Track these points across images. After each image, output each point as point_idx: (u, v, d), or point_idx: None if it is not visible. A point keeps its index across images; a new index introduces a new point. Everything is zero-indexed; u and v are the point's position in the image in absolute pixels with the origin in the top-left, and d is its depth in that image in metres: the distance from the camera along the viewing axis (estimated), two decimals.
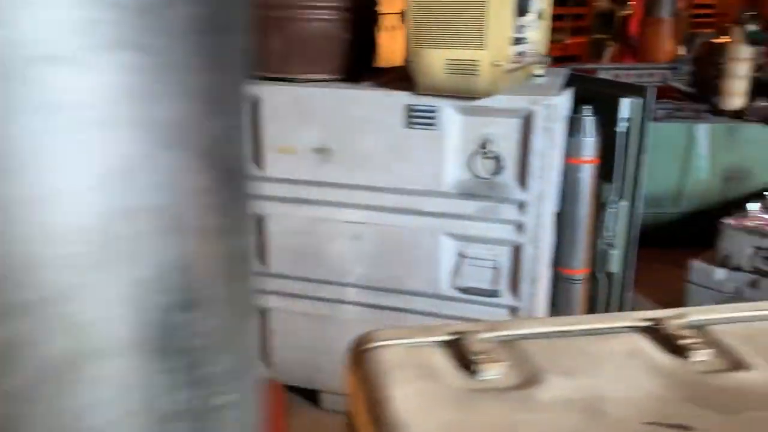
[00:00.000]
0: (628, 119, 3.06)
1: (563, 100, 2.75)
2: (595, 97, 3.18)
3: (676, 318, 1.11)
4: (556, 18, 7.33)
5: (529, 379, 0.95)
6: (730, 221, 4.01)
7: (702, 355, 1.02)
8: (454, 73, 2.51)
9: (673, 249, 4.82)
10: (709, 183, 5.24)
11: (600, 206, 3.27)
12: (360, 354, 1.01)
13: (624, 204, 3.18)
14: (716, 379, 0.96)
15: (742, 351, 1.03)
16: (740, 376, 0.96)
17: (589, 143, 2.93)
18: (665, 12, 6.99)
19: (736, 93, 5.35)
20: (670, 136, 5.20)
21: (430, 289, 2.84)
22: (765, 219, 4.13)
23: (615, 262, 3.26)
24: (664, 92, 6.11)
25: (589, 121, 2.91)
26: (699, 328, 1.11)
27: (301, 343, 3.09)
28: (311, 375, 3.13)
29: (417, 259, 2.83)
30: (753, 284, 3.85)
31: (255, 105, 2.87)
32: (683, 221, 5.28)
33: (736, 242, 3.89)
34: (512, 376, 0.97)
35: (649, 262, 4.89)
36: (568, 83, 3.30)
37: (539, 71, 2.97)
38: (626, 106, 3.04)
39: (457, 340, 1.07)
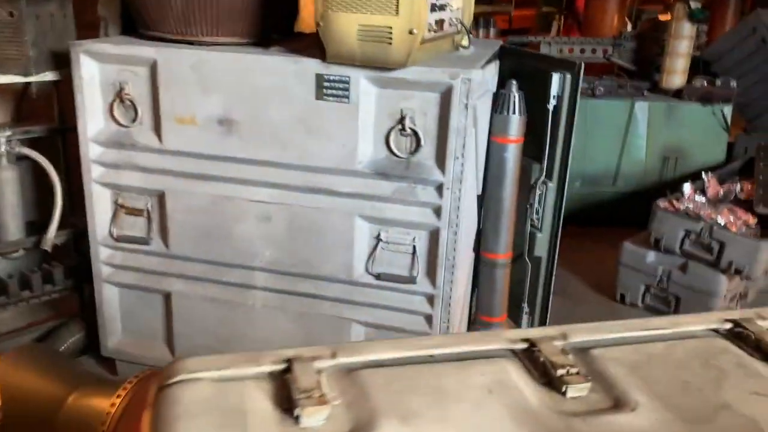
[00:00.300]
0: (558, 96, 2.89)
1: (486, 75, 2.56)
2: (527, 72, 3.00)
3: (557, 338, 0.95)
4: None
5: (359, 427, 0.77)
6: (662, 204, 3.93)
7: (579, 390, 0.86)
8: (367, 40, 2.28)
9: (611, 228, 4.75)
10: (648, 162, 5.18)
11: (528, 187, 3.13)
12: (159, 391, 0.81)
13: (551, 185, 3.03)
14: (592, 425, 0.79)
15: (626, 384, 0.87)
16: (620, 419, 0.80)
17: (516, 121, 2.75)
18: None
19: (677, 71, 5.28)
20: (610, 114, 5.10)
21: (343, 274, 2.65)
22: (698, 202, 4.08)
23: (542, 245, 3.13)
24: (606, 69, 6.01)
25: (515, 97, 2.73)
26: (582, 351, 0.94)
27: (207, 330, 2.86)
28: None
29: (330, 242, 2.62)
30: (682, 268, 3.80)
31: (151, 70, 2.58)
32: (621, 200, 5.22)
33: (667, 225, 3.82)
34: (340, 421, 0.78)
35: (586, 242, 4.82)
36: (500, 57, 3.12)
37: (465, 42, 2.77)
38: (556, 82, 2.87)
39: (284, 371, 0.87)
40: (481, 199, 2.91)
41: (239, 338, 2.83)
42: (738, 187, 4.47)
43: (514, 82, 2.76)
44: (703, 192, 4.38)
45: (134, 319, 3.00)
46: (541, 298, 3.22)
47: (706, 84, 5.19)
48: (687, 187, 4.13)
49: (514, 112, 2.73)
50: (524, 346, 0.96)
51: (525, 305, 3.28)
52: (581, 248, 4.89)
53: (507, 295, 3.05)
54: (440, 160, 2.44)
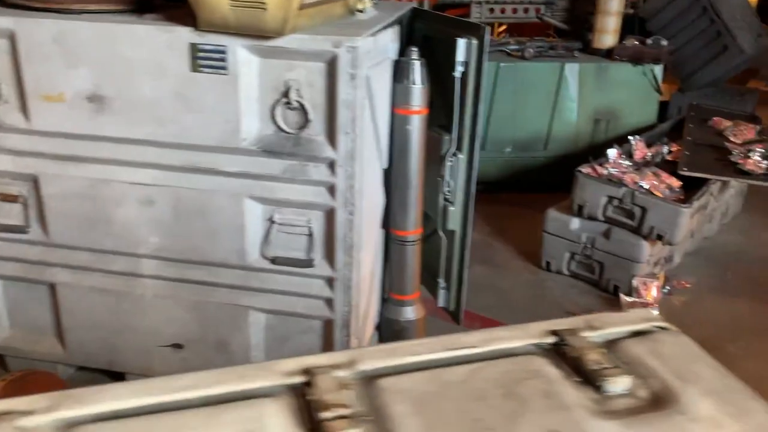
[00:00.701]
0: (465, 62, 2.73)
1: (380, 42, 2.37)
2: (438, 37, 2.83)
3: (342, 366, 0.81)
4: None
5: None
6: (584, 170, 3.85)
7: None
8: (240, 6, 2.07)
9: (543, 194, 4.67)
10: (579, 125, 5.09)
11: (439, 159, 2.99)
12: None
13: (462, 157, 2.89)
14: None
15: (403, 427, 0.73)
16: None
17: (417, 91, 2.59)
18: None
19: (608, 30, 5.17)
20: (540, 77, 4.98)
21: (237, 259, 2.48)
22: (623, 166, 4.01)
23: (454, 219, 3.00)
24: (543, 29, 5.87)
25: (416, 65, 2.56)
26: (369, 380, 0.80)
27: (97, 322, 2.68)
28: (111, 356, 2.74)
29: (220, 226, 2.45)
30: (606, 234, 3.74)
31: (10, 42, 2.32)
32: (554, 165, 5.13)
33: (589, 191, 3.74)
34: None
35: (516, 209, 4.73)
36: (412, 21, 2.94)
37: (361, 6, 2.58)
38: (462, 48, 2.70)
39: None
40: (388, 174, 2.76)
41: (132, 329, 2.66)
42: (666, 149, 4.42)
43: (415, 49, 2.58)
44: (630, 155, 4.32)
45: (21, 313, 2.80)
46: (456, 272, 3.11)
47: (637, 43, 5.10)
48: (612, 152, 4.06)
49: (414, 82, 2.57)
50: (300, 380, 0.81)
51: (442, 280, 3.17)
52: (512, 215, 4.82)
53: (419, 272, 2.93)
54: (331, 135, 2.27)
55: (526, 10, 5.59)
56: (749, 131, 4.59)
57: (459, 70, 2.73)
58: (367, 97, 2.34)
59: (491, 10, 5.55)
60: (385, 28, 2.49)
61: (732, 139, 4.55)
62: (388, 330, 2.94)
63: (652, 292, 3.65)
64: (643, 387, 0.84)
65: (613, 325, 0.97)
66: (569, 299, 3.76)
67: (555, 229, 3.93)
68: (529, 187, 5.16)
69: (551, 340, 0.93)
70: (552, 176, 4.97)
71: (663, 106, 5.89)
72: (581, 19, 5.48)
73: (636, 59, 4.96)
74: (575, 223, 3.84)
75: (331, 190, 2.33)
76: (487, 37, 2.67)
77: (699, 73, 5.88)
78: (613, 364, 0.87)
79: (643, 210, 3.56)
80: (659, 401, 0.81)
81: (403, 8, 2.96)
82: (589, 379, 0.86)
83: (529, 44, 5.09)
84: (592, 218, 3.77)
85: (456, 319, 3.23)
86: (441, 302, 3.21)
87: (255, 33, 2.11)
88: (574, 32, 5.57)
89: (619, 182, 3.72)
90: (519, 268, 4.11)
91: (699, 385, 0.83)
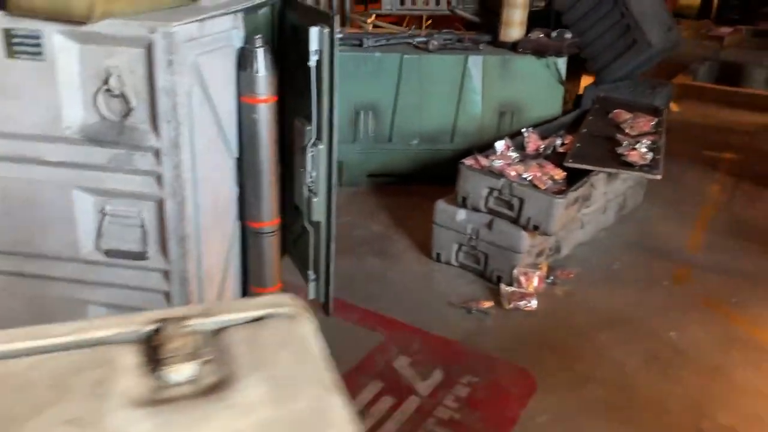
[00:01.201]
0: (319, 51, 2.71)
1: (210, 28, 2.32)
2: (299, 26, 2.80)
3: None
4: None
5: None
6: (467, 162, 3.86)
7: None
8: None
9: (450, 186, 4.67)
10: (484, 118, 5.11)
11: (302, 150, 2.96)
12: None
13: (322, 147, 2.87)
14: None
15: None
16: None
17: (262, 79, 2.55)
18: None
19: (515, 23, 5.19)
20: (444, 70, 4.97)
21: (70, 252, 2.42)
22: (510, 158, 4.03)
23: (318, 210, 2.98)
24: (449, 21, 5.87)
25: (259, 53, 2.52)
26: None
27: None
28: None
29: (51, 218, 2.38)
30: (489, 225, 3.76)
31: None
32: (460, 157, 5.09)
33: (471, 183, 3.75)
34: None
35: (417, 200, 4.73)
36: (280, 10, 2.91)
37: None
38: (315, 37, 2.68)
39: None
40: (239, 165, 2.71)
41: None
42: (559, 141, 4.47)
43: (258, 36, 2.54)
44: (522, 147, 4.35)
45: None
46: (324, 263, 3.10)
47: (541, 36, 5.14)
48: (500, 144, 4.08)
49: (258, 70, 2.53)
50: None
51: (311, 272, 3.16)
52: (415, 207, 4.81)
53: (278, 263, 2.90)
54: (154, 123, 2.22)
55: (437, 2, 5.59)
56: (646, 124, 4.67)
57: (313, 59, 2.71)
58: (198, 84, 2.29)
59: (402, 2, 5.53)
60: (224, 14, 2.44)
61: (627, 131, 4.62)
62: None
63: (534, 282, 3.68)
64: (210, 375, 0.82)
65: (233, 312, 0.95)
66: (454, 289, 3.77)
67: (443, 221, 3.94)
68: (437, 179, 5.14)
69: (151, 328, 0.91)
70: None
71: (579, 98, 5.98)
72: (492, 12, 5.49)
73: (539, 52, 5.00)
74: (461, 214, 3.85)
75: (159, 180, 2.28)
76: (337, 26, 2.65)
77: (611, 66, 5.95)
78: (194, 351, 0.85)
79: (521, 201, 3.59)
80: (214, 389, 0.79)
81: None
82: (155, 368, 0.84)
83: (436, 36, 5.09)
84: (475, 209, 3.78)
85: (326, 310, 3.21)
86: (311, 294, 3.19)
87: (63, 18, 2.05)
88: (486, 25, 5.59)
89: (499, 174, 3.73)
90: (411, 259, 4.11)
91: (266, 372, 0.82)
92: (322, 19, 2.70)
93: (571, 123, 4.93)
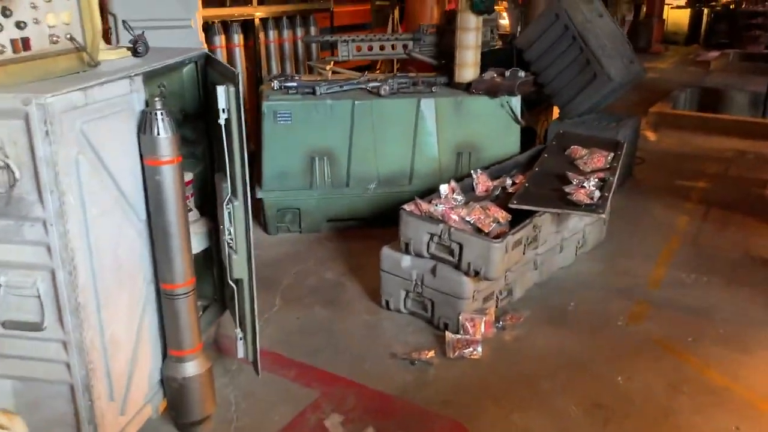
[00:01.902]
0: (227, 109, 2.70)
1: (94, 95, 2.29)
2: (215, 83, 2.79)
3: None
4: None
5: None
6: (407, 207, 3.81)
7: None
8: None
9: None
10: (441, 159, 5.09)
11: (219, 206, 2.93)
12: None
13: (237, 203, 2.83)
14: None
15: None
16: None
17: (164, 141, 2.53)
18: None
19: (468, 64, 5.20)
20: (398, 113, 4.97)
21: None
22: (453, 201, 3.98)
23: (239, 267, 2.93)
24: (422, 66, 5.87)
25: (158, 115, 2.51)
26: None
27: None
28: None
29: None
30: (433, 271, 3.69)
31: None
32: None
33: (412, 228, 3.70)
34: None
35: (374, 245, 4.66)
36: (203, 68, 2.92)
37: (101, 58, 2.53)
38: (222, 95, 2.68)
39: None
40: (149, 227, 2.68)
41: None
42: (509, 181, 4.42)
43: (158, 99, 2.53)
44: (472, 189, 4.31)
45: None
46: (249, 321, 3.03)
47: (495, 76, 5.14)
48: (444, 187, 4.04)
49: (158, 132, 2.51)
50: None
51: (238, 330, 3.09)
52: (370, 252, 4.74)
53: (196, 324, 2.83)
54: (40, 194, 2.19)
55: (393, 47, 5.62)
56: (600, 160, 4.61)
57: (222, 117, 2.71)
58: (87, 151, 2.27)
59: (358, 48, 5.56)
60: (118, 79, 2.43)
61: (582, 167, 4.57)
62: (169, 388, 2.84)
63: (481, 328, 3.59)
64: None
65: None
66: (401, 339, 3.68)
67: (389, 267, 3.88)
68: (397, 222, 5.10)
69: None
70: None
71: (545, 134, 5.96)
72: (448, 54, 5.51)
73: (492, 92, 4.99)
74: (406, 260, 3.79)
75: (49, 250, 2.24)
76: (239, 84, 2.65)
77: (574, 100, 5.94)
78: None
79: (460, 246, 3.52)
80: None
81: (174, 55, 2.93)
82: None
83: (390, 81, 5.10)
84: (418, 255, 3.72)
85: (255, 369, 3.13)
86: (240, 353, 3.11)
87: None
88: (445, 67, 5.60)
89: (440, 219, 3.68)
90: (361, 308, 4.03)
91: None
92: (230, 77, 2.70)
93: (528, 161, 4.88)
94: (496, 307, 3.84)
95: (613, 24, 6.41)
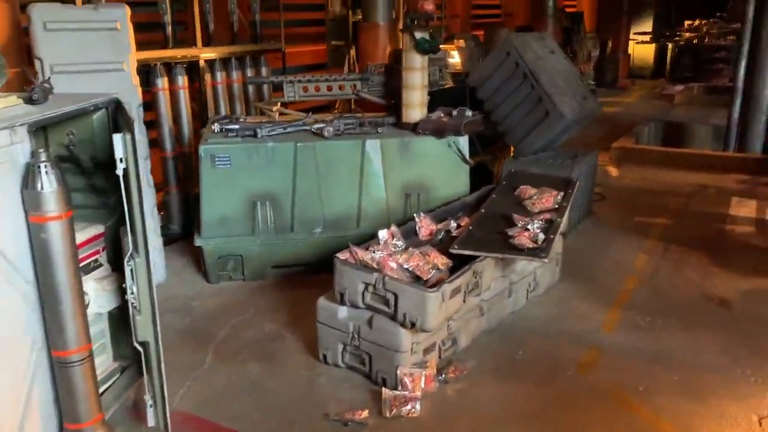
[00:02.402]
0: (125, 159, 2.51)
1: None
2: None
3: None
4: (271, 25, 6.86)
5: None
6: (341, 255, 3.62)
7: None
8: None
9: None
10: (390, 201, 4.92)
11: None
12: None
13: (139, 260, 2.62)
14: None
15: None
16: None
17: (50, 196, 2.33)
18: (381, 17, 6.72)
19: (415, 104, 5.08)
20: (343, 155, 4.81)
21: None
22: (394, 247, 3.80)
23: (144, 329, 2.71)
24: (361, 104, 5.77)
25: (42, 168, 2.31)
26: None
27: None
28: None
29: None
30: (369, 323, 3.47)
31: None
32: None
33: (347, 278, 3.50)
34: None
35: (324, 291, 4.45)
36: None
37: None
38: (119, 144, 2.50)
39: None
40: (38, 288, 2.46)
41: None
42: (454, 224, 4.26)
43: (42, 150, 2.34)
44: (415, 233, 4.14)
45: None
46: (158, 386, 2.79)
47: (442, 116, 5.02)
48: (382, 233, 3.86)
49: (42, 187, 2.31)
50: None
51: (147, 396, 2.84)
52: (314, 300, 4.52)
53: (95, 393, 2.59)
54: None
55: (341, 87, 5.49)
56: (548, 199, 4.47)
57: (120, 167, 2.52)
58: None
59: (305, 89, 5.44)
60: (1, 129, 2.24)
61: (530, 208, 4.42)
62: None
63: (421, 383, 3.37)
64: None
65: None
66: (336, 396, 3.44)
67: (326, 319, 3.66)
68: None
69: None
70: None
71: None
72: (397, 94, 5.40)
73: (438, 132, 4.86)
74: (342, 311, 3.58)
75: None
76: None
77: (527, 138, 5.84)
78: None
79: (396, 296, 3.33)
80: None
81: (88, 101, 2.75)
82: None
83: (336, 122, 4.96)
84: (354, 306, 3.51)
85: None
86: (150, 421, 2.87)
87: None
88: (394, 106, 5.48)
89: (374, 267, 3.49)
90: (298, 363, 3.79)
91: None
92: (129, 124, 2.52)
93: (477, 202, 4.73)
94: (439, 358, 3.63)
95: (566, 61, 6.38)
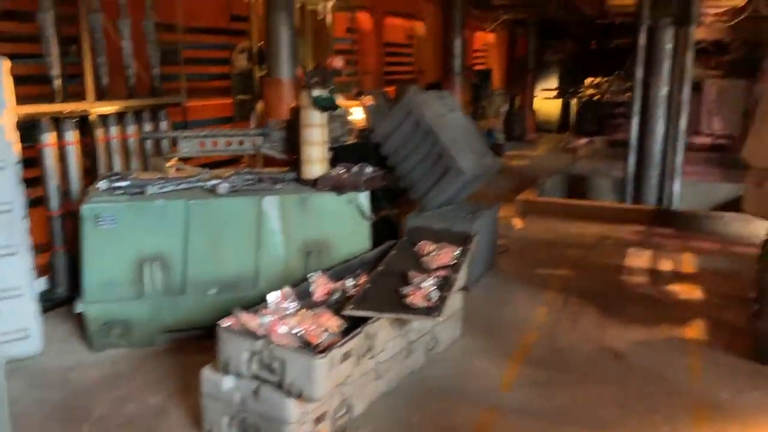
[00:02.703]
0: None
1: None
2: None
3: None
4: (173, 78, 6.71)
5: None
6: (225, 322, 3.45)
7: None
8: None
9: None
10: (288, 259, 4.78)
11: None
12: None
13: None
14: None
15: None
16: None
17: None
18: (285, 73, 6.70)
19: (314, 160, 5.02)
20: (238, 213, 4.65)
21: None
22: (285, 310, 3.65)
23: None
24: (264, 159, 5.67)
25: None
26: None
27: None
28: None
29: None
30: (255, 393, 3.28)
31: None
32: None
33: (231, 346, 3.31)
34: None
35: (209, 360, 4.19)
36: None
37: None
38: None
39: None
40: None
41: None
42: (351, 283, 4.17)
43: None
44: (308, 294, 4.01)
45: None
46: None
47: (342, 171, 4.98)
48: (272, 296, 3.71)
49: None
50: None
51: None
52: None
53: None
54: None
55: (241, 143, 5.38)
56: (446, 255, 4.47)
57: None
58: None
59: (202, 144, 5.29)
60: None
61: (428, 264, 4.40)
62: None
63: None
64: None
65: None
66: None
67: (211, 390, 3.44)
68: None
69: None
70: None
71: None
72: (298, 150, 5.33)
73: (337, 188, 4.81)
74: (228, 382, 3.37)
75: None
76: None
77: (429, 193, 5.90)
78: None
79: (282, 364, 3.17)
80: None
81: None
82: None
83: (234, 178, 4.82)
84: (239, 376, 3.32)
85: None
86: None
87: None
88: (295, 162, 5.40)
89: (261, 334, 3.32)
90: None
91: None
92: None
93: (377, 259, 4.67)
94: (333, 427, 3.47)
95: (465, 119, 6.54)
